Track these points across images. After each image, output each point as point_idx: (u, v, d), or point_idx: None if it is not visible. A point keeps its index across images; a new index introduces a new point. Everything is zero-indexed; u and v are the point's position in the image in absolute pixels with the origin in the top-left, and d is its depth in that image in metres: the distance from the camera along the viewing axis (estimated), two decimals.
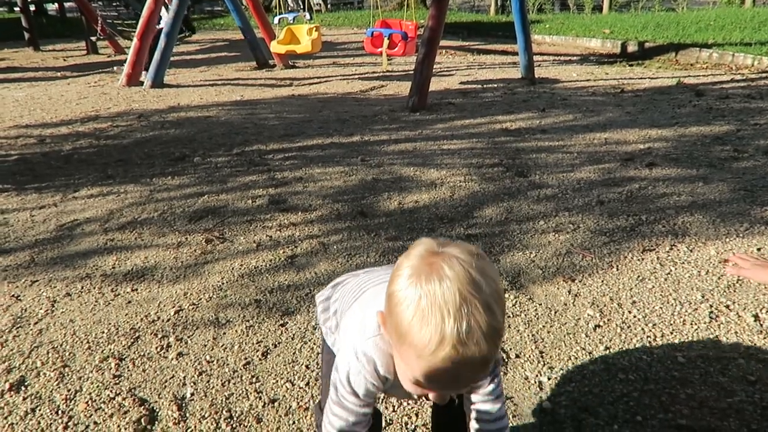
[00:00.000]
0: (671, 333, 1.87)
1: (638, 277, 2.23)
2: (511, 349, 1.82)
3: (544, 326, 1.93)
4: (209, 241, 2.66)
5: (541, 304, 2.06)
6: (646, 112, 4.96)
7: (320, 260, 2.45)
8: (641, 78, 6.68)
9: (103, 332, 1.97)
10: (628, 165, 3.56)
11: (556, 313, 2.01)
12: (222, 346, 1.89)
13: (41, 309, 2.13)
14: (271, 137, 4.54)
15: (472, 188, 3.24)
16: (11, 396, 1.67)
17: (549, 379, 1.68)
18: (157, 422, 1.56)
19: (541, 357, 1.77)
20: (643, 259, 2.37)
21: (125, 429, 1.53)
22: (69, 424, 1.56)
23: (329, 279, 2.28)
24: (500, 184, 3.31)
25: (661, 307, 2.01)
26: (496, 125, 4.70)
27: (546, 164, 3.63)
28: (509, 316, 1.98)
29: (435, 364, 0.78)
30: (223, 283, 2.29)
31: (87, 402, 1.63)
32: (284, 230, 2.76)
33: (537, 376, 1.69)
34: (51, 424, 1.56)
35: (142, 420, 1.57)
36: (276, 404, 1.62)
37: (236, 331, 1.97)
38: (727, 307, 2.00)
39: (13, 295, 2.24)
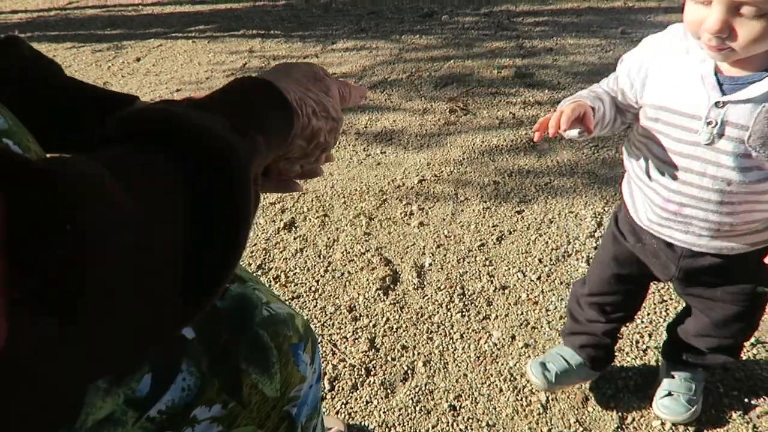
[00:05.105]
0: None
1: None
2: None
3: None
4: (453, 111, 2.70)
5: None
6: None
7: (563, 148, 2.36)
8: None
9: (356, 190, 2.20)
10: None
11: None
12: (459, 223, 1.99)
13: None
14: None
15: None
16: (285, 234, 1.99)
17: None
18: (399, 284, 1.75)
19: None
20: None
21: (373, 283, 1.75)
22: (329, 268, 1.82)
23: (572, 169, 2.21)
24: None
25: None
26: None
27: None
28: None
29: None
30: (463, 158, 2.34)
31: (342, 252, 1.88)
32: (528, 108, 2.68)
33: None
34: (315, 265, 1.84)
35: (387, 279, 1.77)
36: (506, 291, 1.69)
37: (473, 210, 2.04)
38: None
39: None
